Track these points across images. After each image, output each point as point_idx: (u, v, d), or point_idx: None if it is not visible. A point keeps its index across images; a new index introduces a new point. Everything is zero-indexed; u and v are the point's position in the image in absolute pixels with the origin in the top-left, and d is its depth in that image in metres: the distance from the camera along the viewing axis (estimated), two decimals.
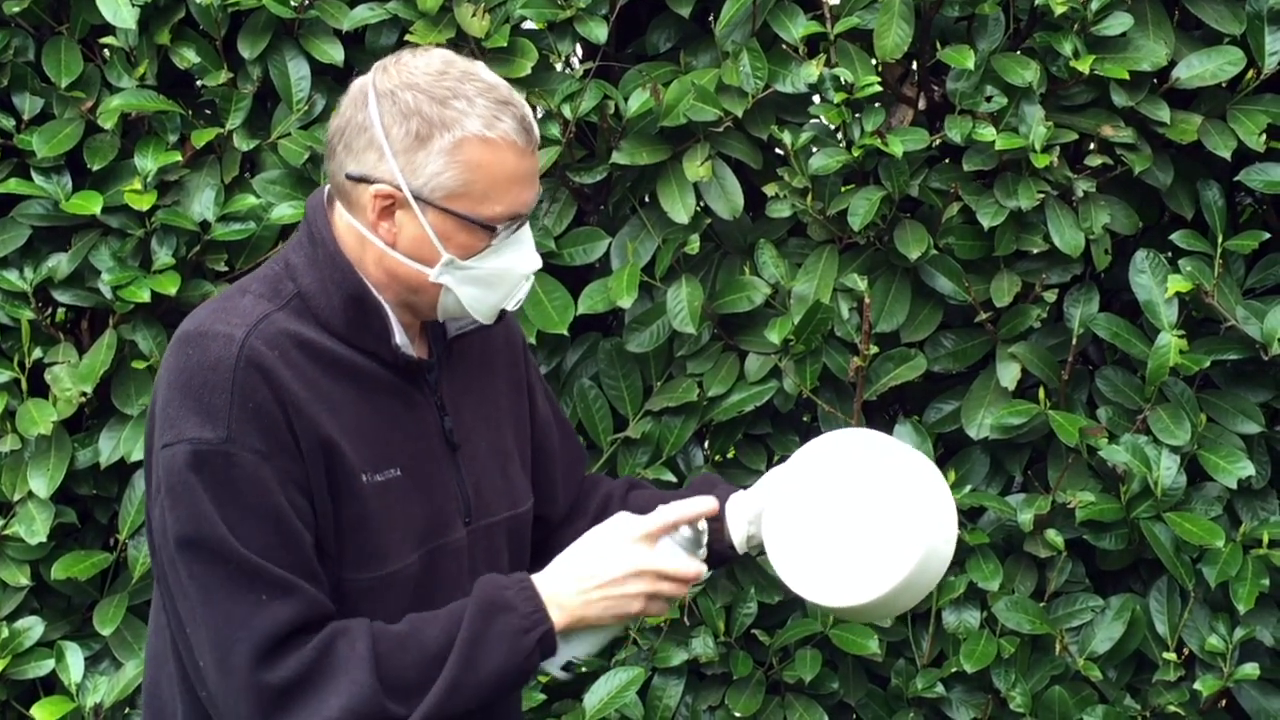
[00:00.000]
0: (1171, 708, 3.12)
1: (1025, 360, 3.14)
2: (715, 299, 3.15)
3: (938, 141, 3.11)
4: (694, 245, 3.09)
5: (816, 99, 3.14)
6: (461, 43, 3.07)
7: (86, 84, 3.17)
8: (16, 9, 3.12)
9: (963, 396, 3.19)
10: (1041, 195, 3.06)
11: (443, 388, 1.96)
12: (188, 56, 3.14)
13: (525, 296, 1.93)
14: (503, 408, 2.06)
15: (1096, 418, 3.15)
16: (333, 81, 3.19)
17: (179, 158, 3.11)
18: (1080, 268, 3.16)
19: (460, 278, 1.85)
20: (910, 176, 3.08)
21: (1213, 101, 3.14)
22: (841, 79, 3.03)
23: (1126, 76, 3.02)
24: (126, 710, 3.13)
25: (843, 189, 3.15)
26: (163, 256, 3.08)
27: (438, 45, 2.96)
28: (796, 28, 3.08)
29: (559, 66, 3.27)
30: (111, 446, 3.12)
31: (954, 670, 3.12)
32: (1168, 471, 3.03)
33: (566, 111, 3.05)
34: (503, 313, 1.94)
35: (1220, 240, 3.11)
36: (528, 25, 3.15)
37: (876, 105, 3.10)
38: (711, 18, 3.19)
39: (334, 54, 3.12)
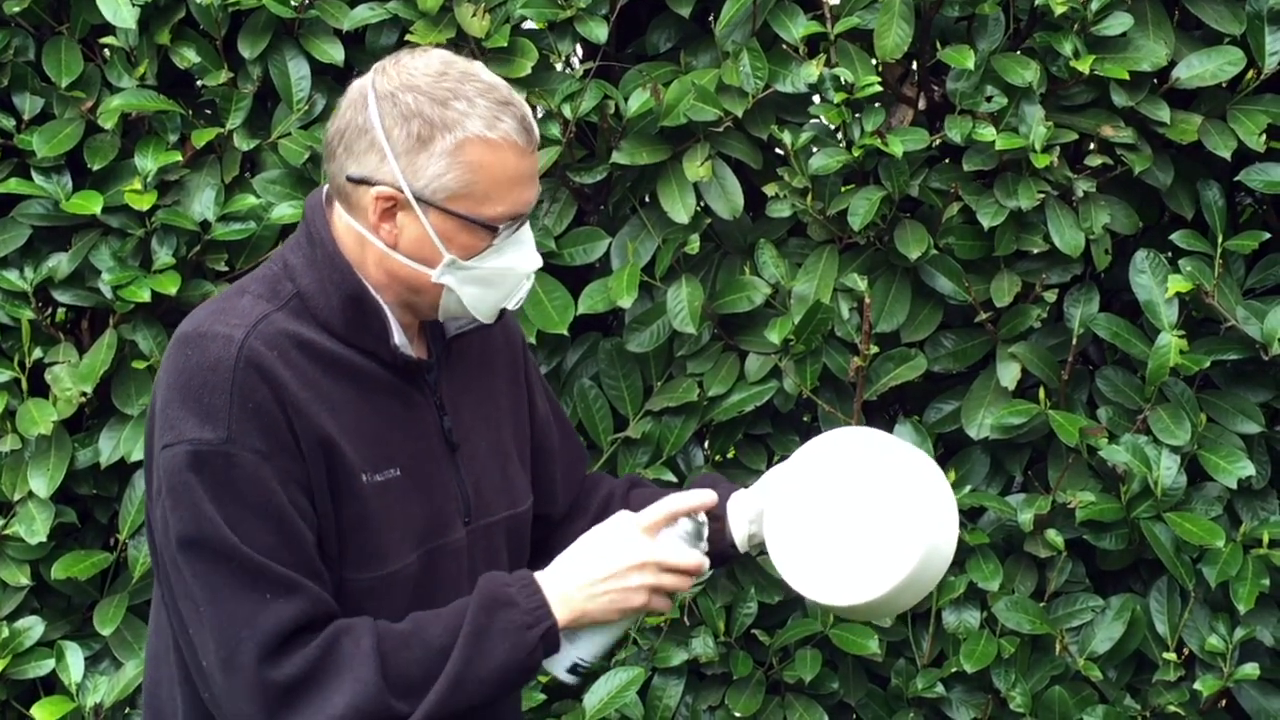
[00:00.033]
0: (1171, 708, 3.12)
1: (1025, 360, 3.14)
2: (715, 299, 3.15)
3: (938, 141, 3.11)
4: (694, 245, 3.09)
5: (816, 99, 3.14)
6: (461, 43, 3.07)
7: (87, 84, 3.17)
8: (16, 9, 3.12)
9: (963, 396, 3.19)
10: (1041, 195, 3.06)
11: (442, 387, 1.96)
12: (188, 56, 3.14)
13: (526, 296, 1.94)
14: (502, 407, 2.06)
15: (1096, 418, 3.15)
16: (333, 81, 3.19)
17: (179, 157, 3.11)
18: (1080, 268, 3.16)
19: (462, 278, 1.86)
20: (910, 176, 3.08)
21: (1213, 101, 3.14)
22: (841, 79, 3.03)
23: (1126, 76, 3.02)
24: (126, 710, 3.13)
25: (843, 189, 3.15)
26: (163, 256, 3.09)
27: (437, 45, 2.98)
28: (796, 28, 3.08)
29: (559, 66, 3.27)
30: (111, 446, 3.12)
31: (954, 670, 3.12)
32: (1168, 471, 3.03)
33: (566, 111, 3.05)
34: (502, 312, 1.94)
35: (1220, 240, 3.11)
36: (528, 25, 3.15)
37: (876, 105, 3.10)
38: (711, 18, 3.20)
39: (334, 54, 3.12)
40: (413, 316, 1.93)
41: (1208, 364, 3.05)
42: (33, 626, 3.13)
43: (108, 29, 3.13)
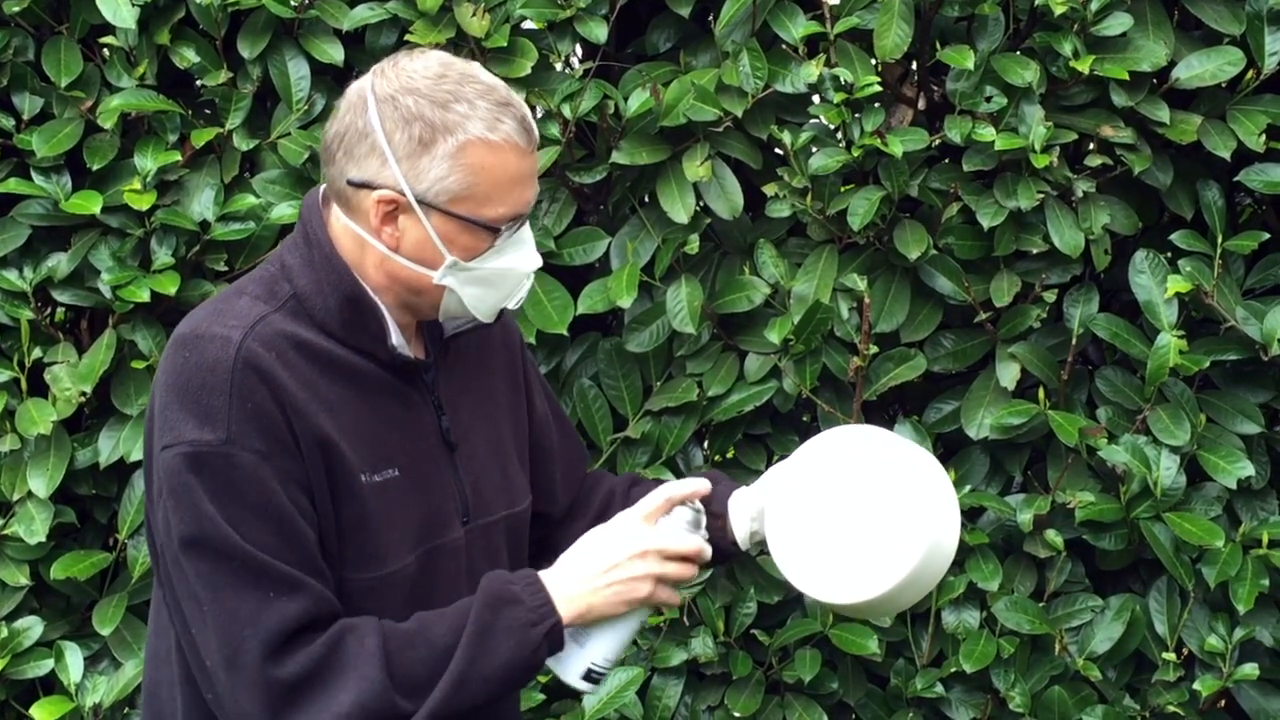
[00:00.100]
0: (1171, 708, 3.12)
1: (1025, 360, 3.14)
2: (715, 299, 3.15)
3: (937, 141, 3.11)
4: (694, 245, 3.09)
5: (816, 99, 3.14)
6: (461, 43, 3.07)
7: (86, 84, 3.17)
8: (16, 9, 3.12)
9: (962, 396, 3.19)
10: (1041, 195, 3.06)
11: (440, 387, 1.96)
12: (187, 56, 3.14)
13: (526, 295, 1.94)
14: (501, 406, 2.06)
15: (1096, 418, 3.15)
16: (332, 81, 3.19)
17: (179, 157, 3.11)
18: (1080, 268, 3.16)
19: (463, 279, 1.86)
20: (910, 176, 3.08)
21: (1212, 102, 3.14)
22: (841, 79, 3.03)
23: (1126, 77, 3.02)
24: (126, 710, 3.13)
25: (842, 189, 3.15)
26: (162, 256, 3.08)
27: (436, 45, 2.99)
28: (796, 28, 3.08)
29: (559, 66, 3.27)
30: (111, 446, 3.12)
31: (953, 670, 3.13)
32: (1167, 472, 3.03)
33: (566, 111, 3.05)
34: (501, 311, 1.94)
35: (1220, 240, 3.11)
36: (528, 25, 3.15)
37: (876, 105, 3.10)
38: (711, 18, 3.19)
39: (334, 54, 3.12)
40: (411, 317, 1.93)
41: (1207, 364, 3.05)
42: (32, 626, 3.13)
43: (107, 29, 3.13)
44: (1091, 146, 3.09)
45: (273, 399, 1.77)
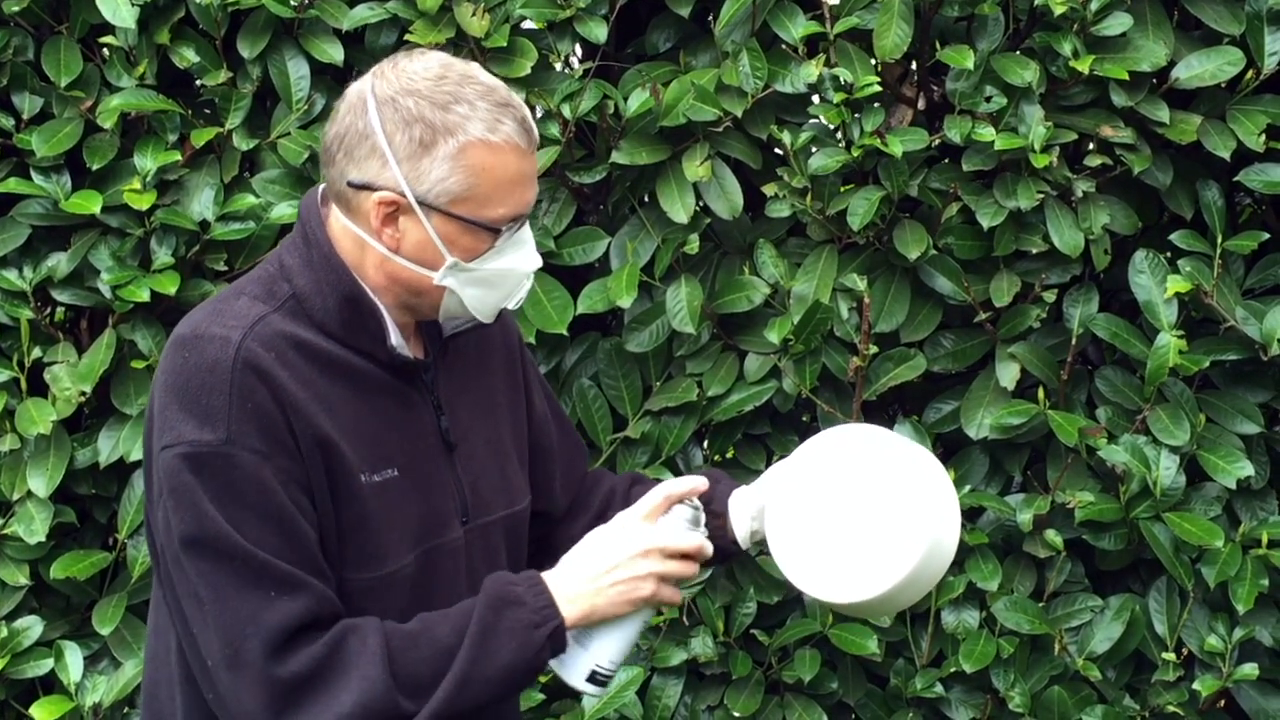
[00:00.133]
0: (1170, 708, 3.12)
1: (1025, 360, 3.14)
2: (715, 299, 3.15)
3: (937, 141, 3.11)
4: (693, 245, 3.09)
5: (816, 99, 3.14)
6: (461, 43, 3.07)
7: (86, 83, 3.17)
8: (16, 8, 3.12)
9: (962, 396, 3.19)
10: (1041, 195, 3.06)
11: (439, 387, 1.96)
12: (187, 56, 3.14)
13: (526, 295, 1.94)
14: (500, 405, 2.06)
15: (1096, 418, 3.15)
16: (332, 81, 3.19)
17: (178, 157, 3.11)
18: (1080, 268, 3.16)
19: (464, 279, 1.86)
20: (910, 176, 3.08)
21: (1212, 102, 3.14)
22: (841, 79, 3.03)
23: (1126, 77, 3.02)
24: (125, 710, 3.13)
25: (842, 189, 3.15)
26: (162, 256, 3.09)
27: (436, 45, 2.99)
28: (796, 28, 3.08)
29: (559, 66, 3.27)
30: (111, 446, 3.12)
31: (953, 670, 3.13)
32: (1167, 472, 3.03)
33: (566, 111, 3.05)
34: (501, 311, 1.94)
35: (1220, 240, 3.11)
36: (527, 25, 3.15)
37: (876, 105, 3.10)
38: (711, 18, 3.19)
39: (334, 53, 3.12)
40: (411, 317, 1.93)
41: (1207, 364, 3.05)
42: (32, 626, 3.13)
43: (107, 28, 3.13)
44: (1091, 146, 3.09)
45: (272, 399, 1.77)
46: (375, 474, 1.85)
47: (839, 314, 3.11)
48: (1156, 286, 3.09)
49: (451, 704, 1.79)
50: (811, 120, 3.19)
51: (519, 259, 1.89)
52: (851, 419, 3.12)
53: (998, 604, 3.11)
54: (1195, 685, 3.08)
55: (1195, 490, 3.12)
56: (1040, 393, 3.11)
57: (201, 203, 3.11)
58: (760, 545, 2.07)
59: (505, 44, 3.05)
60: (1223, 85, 3.13)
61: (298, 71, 3.15)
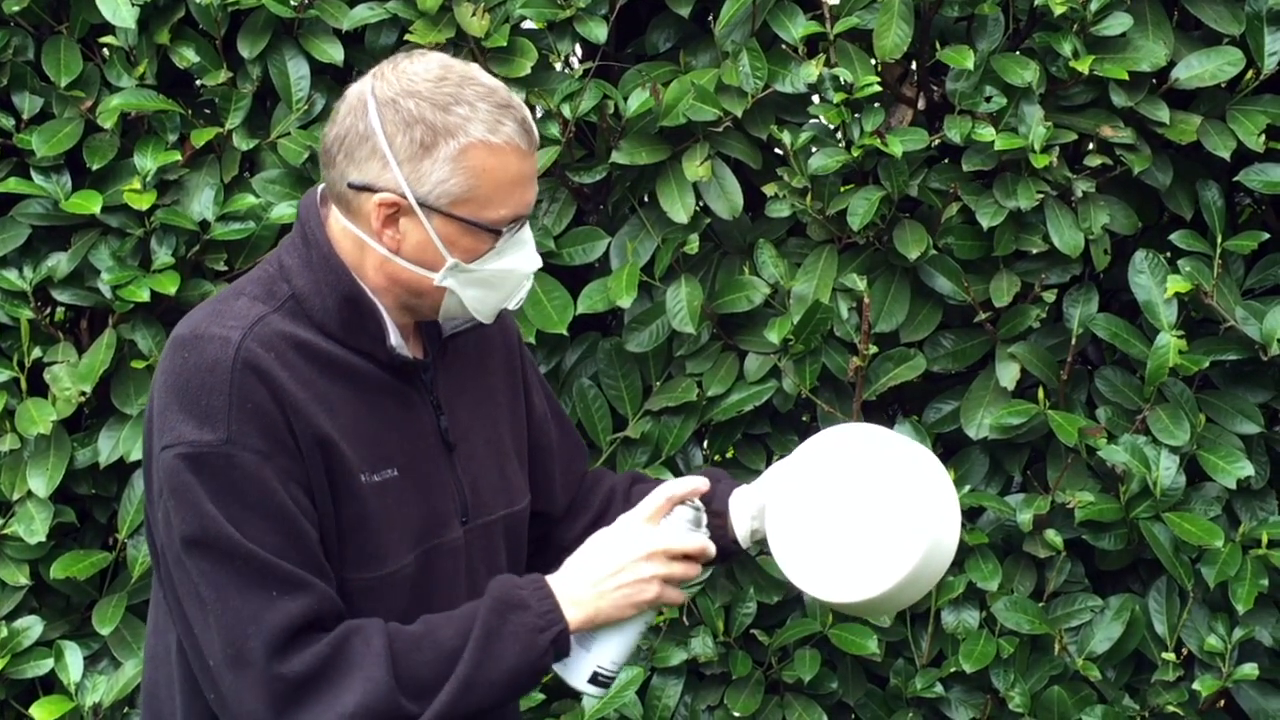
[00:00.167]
0: (1170, 708, 3.12)
1: (1024, 360, 3.14)
2: (715, 299, 3.15)
3: (937, 141, 3.11)
4: (693, 245, 3.09)
5: (816, 99, 3.14)
6: (461, 42, 3.07)
7: (86, 83, 3.17)
8: (16, 8, 3.12)
9: (962, 396, 3.19)
10: (1041, 195, 3.06)
11: (438, 387, 1.96)
12: (187, 56, 3.14)
13: (526, 296, 1.94)
14: (499, 405, 2.06)
15: (1096, 418, 3.15)
16: (332, 81, 3.19)
17: (178, 157, 3.11)
18: (1079, 268, 3.16)
19: (464, 280, 1.86)
20: (910, 176, 3.08)
21: (1212, 102, 3.14)
22: (841, 79, 3.03)
23: (1126, 77, 3.02)
24: (125, 710, 3.13)
25: (842, 189, 3.16)
26: (162, 256, 3.09)
27: (436, 45, 2.99)
28: (796, 28, 3.08)
29: (558, 66, 3.27)
30: (111, 446, 3.12)
31: (953, 670, 3.13)
32: (1167, 472, 3.03)
33: (566, 111, 3.05)
34: (500, 311, 1.94)
35: (1219, 240, 3.11)
36: (527, 25, 3.15)
37: (876, 105, 3.10)
38: (711, 18, 3.20)
39: (334, 53, 3.12)
40: (410, 317, 1.93)
41: (1207, 364, 3.05)
42: (32, 626, 3.13)
43: (107, 28, 3.13)
44: (1091, 146, 3.09)
45: (272, 399, 1.77)
46: (375, 474, 1.85)
47: (839, 314, 3.11)
48: (1156, 286, 3.09)
49: (454, 707, 1.79)
50: (811, 120, 3.19)
51: (519, 260, 1.89)
52: (851, 419, 3.12)
53: (998, 604, 3.11)
54: (1195, 685, 3.08)
55: (1195, 490, 3.12)
56: (1040, 393, 3.11)
57: (201, 203, 3.11)
58: (760, 544, 2.07)
59: (505, 44, 3.05)
60: (1223, 85, 3.13)
61: (298, 71, 3.15)
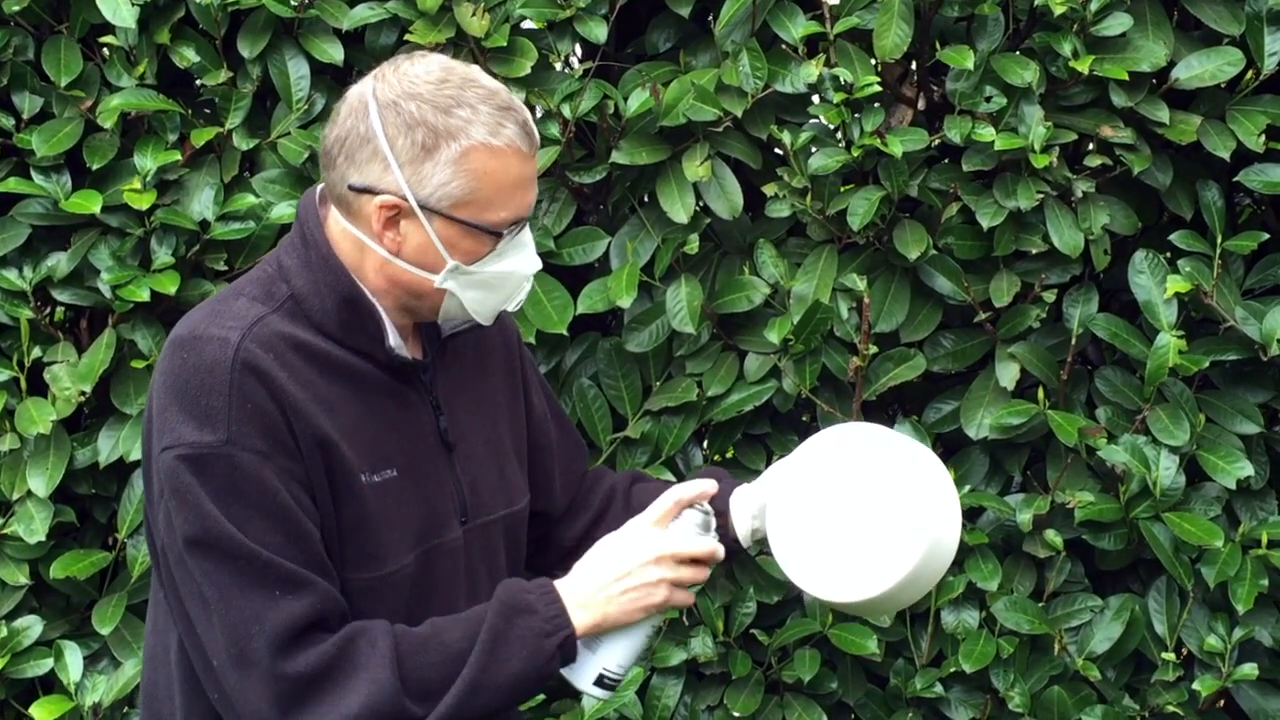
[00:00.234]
0: (1170, 708, 3.12)
1: (1024, 360, 3.14)
2: (715, 299, 3.15)
3: (937, 141, 3.11)
4: (693, 245, 3.09)
5: (816, 99, 3.14)
6: (461, 42, 3.07)
7: (86, 83, 3.17)
8: (16, 8, 3.12)
9: (962, 396, 3.19)
10: (1041, 195, 3.06)
11: (438, 387, 1.96)
12: (187, 56, 3.14)
13: (525, 297, 1.94)
14: (499, 405, 2.06)
15: (1095, 418, 3.15)
16: (332, 81, 3.19)
17: (178, 157, 3.11)
18: (1079, 268, 3.16)
19: (464, 282, 1.86)
20: (910, 176, 3.08)
21: (1212, 102, 3.14)
22: (841, 79, 3.03)
23: (1126, 77, 3.02)
24: (125, 710, 3.13)
25: (842, 189, 3.16)
26: (162, 256, 3.09)
27: (436, 45, 2.99)
28: (796, 28, 3.08)
29: (559, 66, 3.27)
30: (110, 446, 3.12)
31: (953, 670, 3.13)
32: (1166, 472, 3.03)
33: (566, 111, 3.05)
34: (500, 312, 1.94)
35: (1219, 241, 3.11)
36: (527, 25, 3.15)
37: (876, 105, 3.10)
38: (711, 18, 3.19)
39: (334, 53, 3.12)
40: (410, 318, 1.93)
41: (1207, 364, 3.05)
42: (31, 626, 3.13)
43: (107, 28, 3.13)
44: (1091, 146, 3.09)
45: (272, 399, 1.77)
46: (375, 474, 1.85)
47: (839, 314, 3.11)
48: (1156, 286, 3.09)
49: (459, 710, 1.78)
50: (811, 120, 3.19)
51: (519, 262, 1.89)
52: (851, 419, 3.12)
53: (997, 604, 3.11)
54: (1195, 685, 3.08)
55: (1195, 490, 3.12)
56: (1040, 393, 3.11)
57: (201, 202, 3.11)
58: (761, 544, 2.07)
59: (505, 44, 3.05)
60: (1222, 85, 3.13)
61: (298, 71, 3.15)
